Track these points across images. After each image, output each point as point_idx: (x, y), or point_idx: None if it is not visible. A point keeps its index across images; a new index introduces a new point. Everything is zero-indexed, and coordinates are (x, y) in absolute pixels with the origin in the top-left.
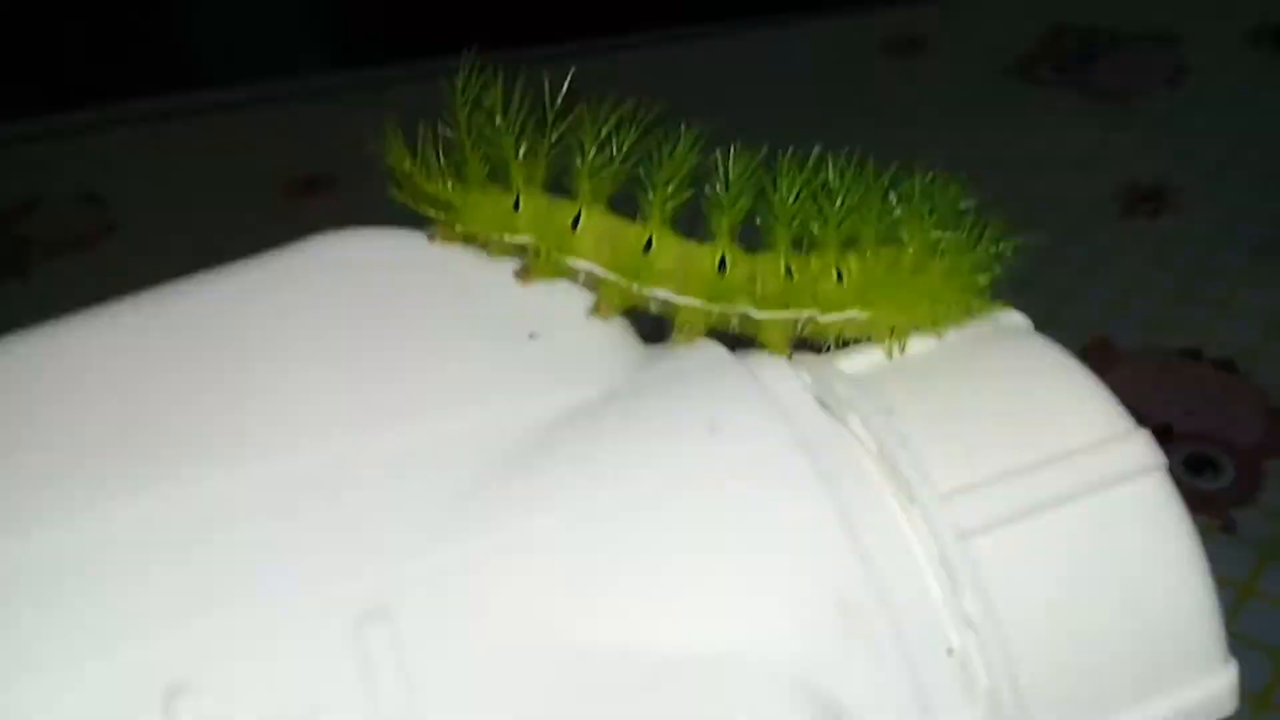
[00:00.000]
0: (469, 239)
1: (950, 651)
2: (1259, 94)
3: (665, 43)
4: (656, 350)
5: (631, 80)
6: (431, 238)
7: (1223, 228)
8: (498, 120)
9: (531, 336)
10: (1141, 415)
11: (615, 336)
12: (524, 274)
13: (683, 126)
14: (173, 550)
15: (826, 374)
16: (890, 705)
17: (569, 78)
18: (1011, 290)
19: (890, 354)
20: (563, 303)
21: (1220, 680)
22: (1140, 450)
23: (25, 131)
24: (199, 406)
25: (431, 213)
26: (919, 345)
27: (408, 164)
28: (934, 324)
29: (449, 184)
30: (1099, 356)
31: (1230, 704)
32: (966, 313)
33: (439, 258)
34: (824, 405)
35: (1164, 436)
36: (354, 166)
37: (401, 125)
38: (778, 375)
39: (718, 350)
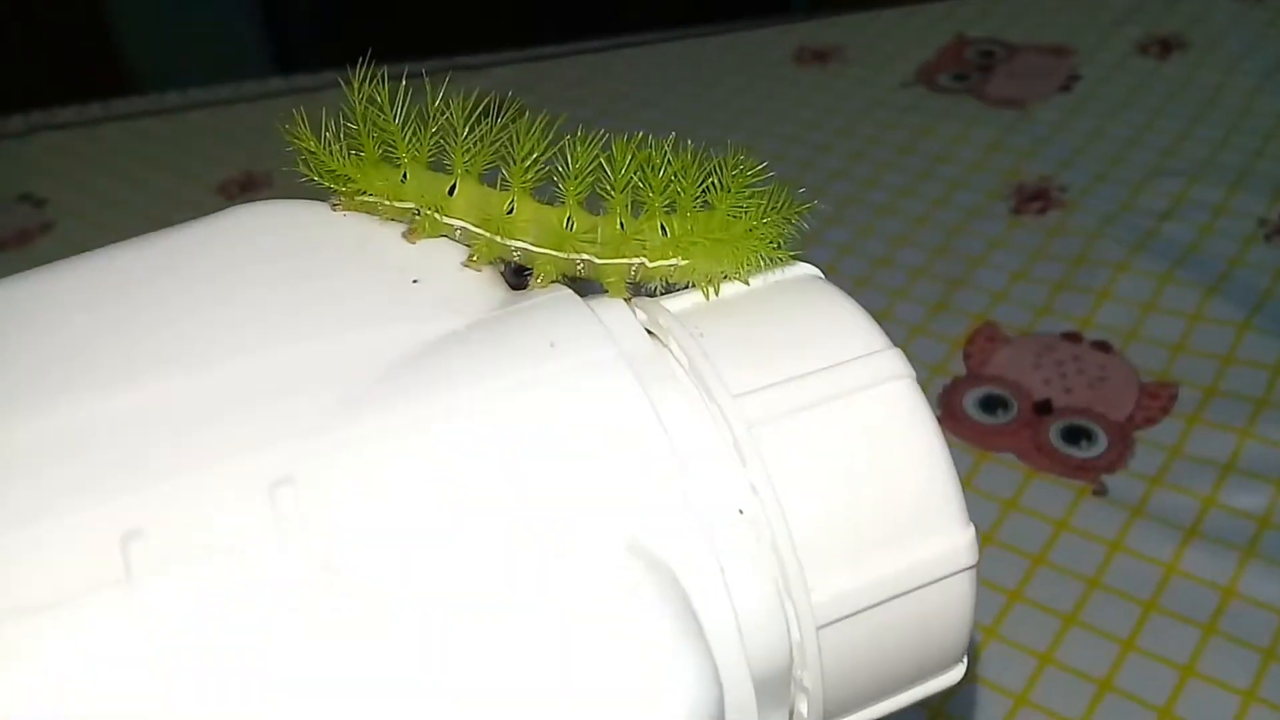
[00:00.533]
0: (364, 207)
1: (741, 511)
2: (1144, 100)
3: (588, 53)
4: (519, 294)
5: (549, 88)
6: (334, 206)
7: (1103, 223)
8: (385, 109)
9: (415, 281)
10: (1024, 391)
11: (484, 281)
12: (409, 233)
13: (540, 115)
14: (124, 436)
15: (654, 309)
16: (687, 547)
17: (447, 79)
18: (905, 278)
19: (706, 295)
20: (441, 256)
21: (958, 538)
22: (892, 363)
23: None
24: (133, 335)
25: (333, 185)
26: (730, 290)
27: (313, 144)
28: (737, 271)
29: (348, 161)
30: (986, 338)
31: (969, 558)
32: (764, 263)
33: (337, 221)
34: (650, 333)
35: (1044, 410)
36: (290, 165)
37: (335, 127)
38: (613, 308)
39: (565, 291)
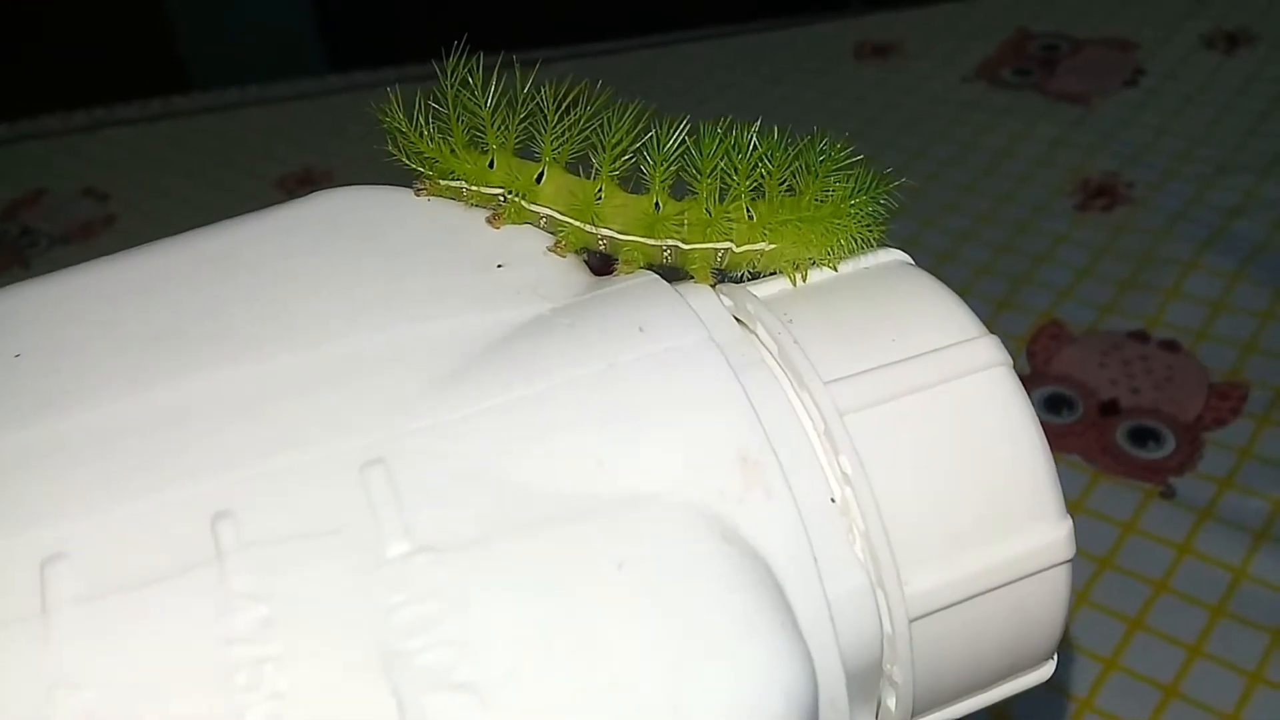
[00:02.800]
0: (448, 192)
1: (833, 500)
2: (1210, 95)
3: (645, 48)
4: (604, 280)
5: (607, 83)
6: (418, 191)
7: (1171, 220)
8: (478, 95)
9: (500, 266)
10: (1090, 391)
11: (568, 267)
12: (494, 219)
13: (627, 104)
14: (213, 417)
15: (741, 296)
16: (781, 536)
17: (535, 69)
18: (969, 275)
19: (794, 281)
20: (525, 242)
21: (1055, 531)
22: (988, 350)
23: (30, 129)
24: (226, 316)
25: (419, 168)
26: (817, 275)
27: (405, 125)
28: (823, 256)
29: (438, 145)
30: (1051, 336)
31: (1066, 551)
32: (852, 248)
33: (423, 206)
34: (737, 319)
35: (1111, 410)
36: (348, 161)
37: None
38: (699, 293)
39: (651, 276)
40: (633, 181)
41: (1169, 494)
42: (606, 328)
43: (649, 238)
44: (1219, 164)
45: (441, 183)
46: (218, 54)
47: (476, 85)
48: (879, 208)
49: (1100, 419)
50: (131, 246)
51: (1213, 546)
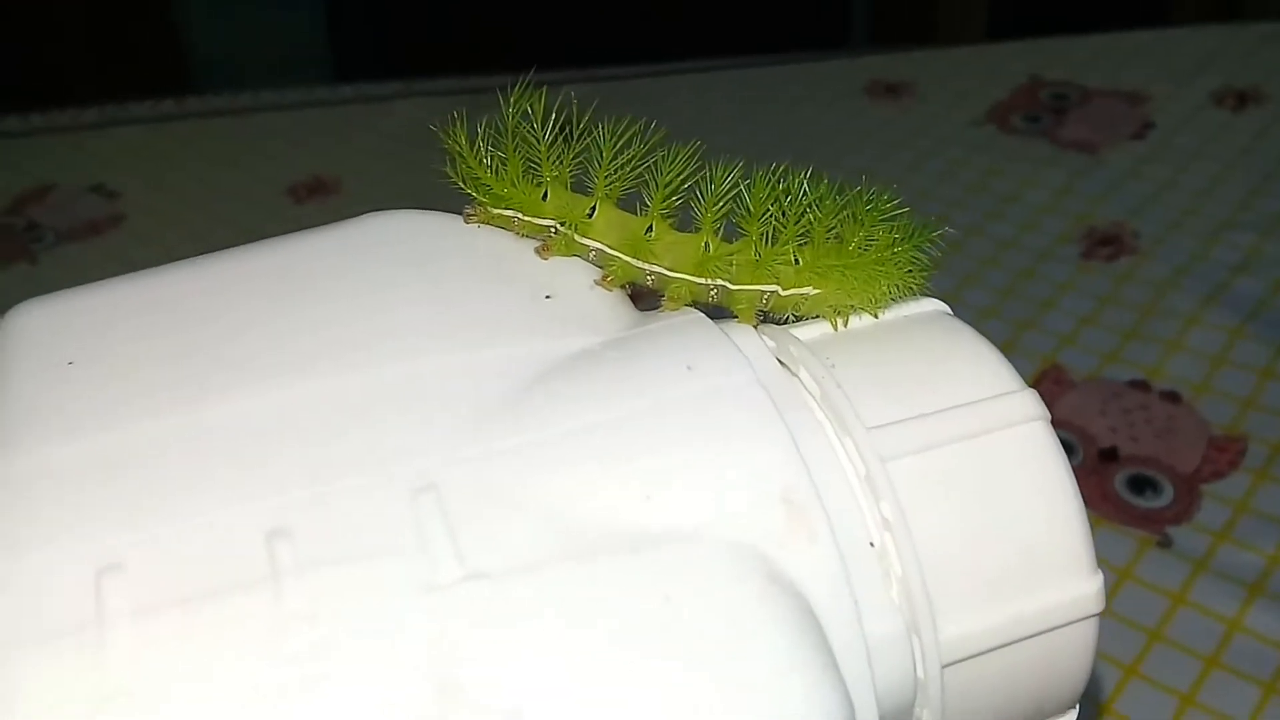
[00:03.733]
0: (498, 221)
1: (871, 545)
2: (1217, 151)
3: (655, 76)
4: (649, 314)
5: (615, 109)
6: (467, 217)
7: (1176, 273)
8: (537, 126)
9: (547, 297)
10: (1090, 437)
11: (615, 302)
12: (544, 250)
13: (681, 144)
14: (268, 436)
15: (783, 338)
16: (823, 579)
17: (571, 99)
18: (973, 318)
19: (835, 326)
20: (573, 274)
21: (1086, 585)
22: (1026, 404)
23: (40, 124)
24: (278, 336)
25: (474, 193)
26: (858, 321)
27: (466, 150)
28: (867, 303)
29: (496, 173)
30: (1052, 382)
31: (1096, 605)
32: (894, 296)
33: (471, 233)
34: (780, 361)
35: (1110, 458)
36: (357, 171)
37: (402, 136)
38: (744, 334)
39: (697, 314)
40: (681, 219)
41: (1166, 543)
42: (655, 364)
43: (697, 276)
44: (1224, 220)
45: (493, 210)
46: (225, 60)
47: (536, 117)
48: (922, 256)
49: (1100, 465)
50: (140, 247)
51: (1208, 598)
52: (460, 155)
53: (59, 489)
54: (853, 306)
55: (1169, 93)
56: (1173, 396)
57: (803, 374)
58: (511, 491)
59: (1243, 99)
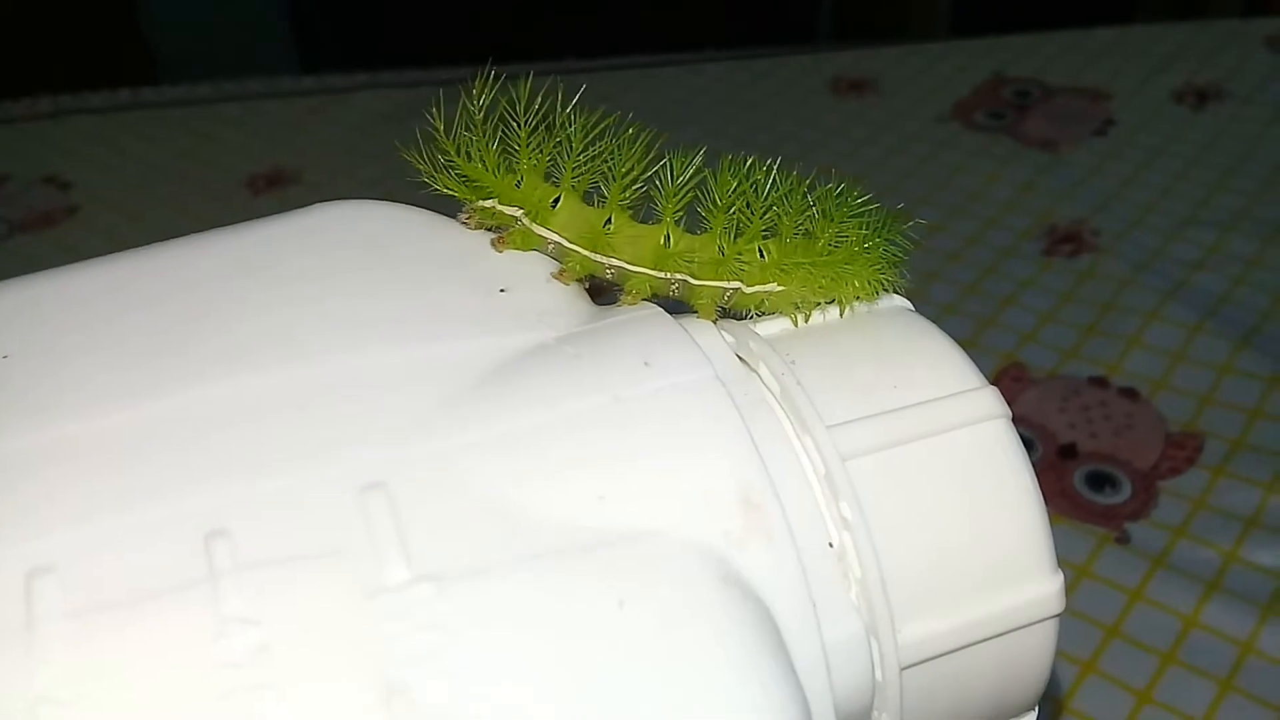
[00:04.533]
0: (486, 215)
1: (830, 545)
2: (1178, 148)
3: (618, 69)
4: (606, 309)
5: (581, 101)
6: (464, 221)
7: (1136, 269)
8: (520, 114)
9: (502, 291)
10: (1049, 434)
11: (571, 296)
12: (499, 242)
13: (638, 133)
14: (209, 430)
15: (743, 334)
16: (781, 580)
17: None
18: (935, 314)
19: (795, 322)
20: (529, 267)
21: (1047, 586)
22: (987, 402)
23: None
24: (224, 327)
25: (448, 187)
26: (818, 317)
27: (446, 142)
28: (834, 299)
29: (477, 162)
30: (1012, 379)
31: (1057, 605)
32: (861, 292)
33: (424, 224)
34: (739, 357)
35: (1069, 454)
36: (317, 163)
37: (364, 128)
38: (703, 329)
39: (655, 309)
40: (644, 211)
41: (1124, 540)
42: (611, 360)
43: (657, 271)
44: (1184, 217)
45: (479, 204)
46: (186, 50)
47: (520, 102)
48: (893, 253)
49: (1058, 462)
50: (95, 238)
51: (1166, 594)
52: (437, 136)
53: None
54: (817, 304)
55: (1131, 90)
56: (1131, 393)
57: (762, 371)
58: (462, 490)
59: (1203, 96)
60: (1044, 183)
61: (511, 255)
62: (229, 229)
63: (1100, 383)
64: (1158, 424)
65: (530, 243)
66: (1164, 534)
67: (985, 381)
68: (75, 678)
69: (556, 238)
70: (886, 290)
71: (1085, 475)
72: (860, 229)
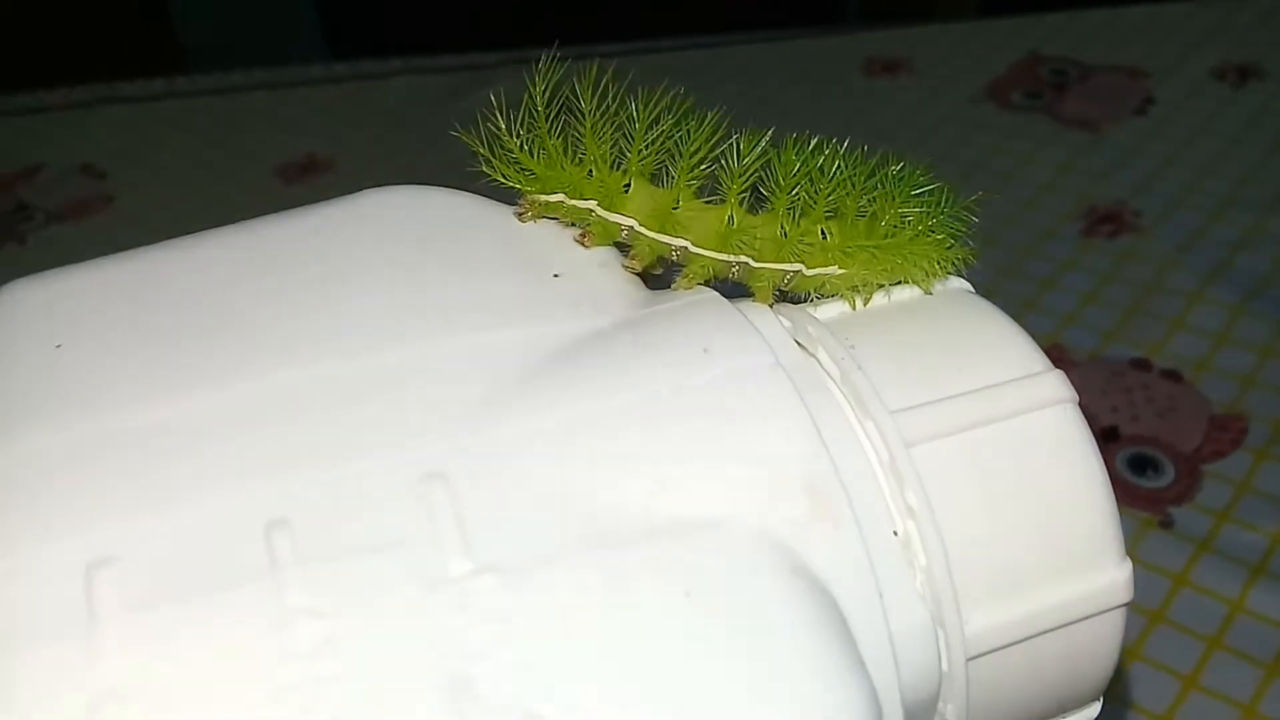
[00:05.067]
0: (549, 210)
1: (895, 533)
2: (1219, 127)
3: (652, 52)
4: (660, 294)
5: (614, 86)
6: (520, 215)
7: (1177, 250)
8: (586, 103)
9: (556, 276)
10: (1090, 416)
11: (626, 280)
12: (584, 238)
13: (707, 114)
14: (264, 423)
15: (801, 318)
16: (847, 569)
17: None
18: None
19: (854, 305)
20: (582, 252)
21: (1116, 574)
22: (1053, 386)
23: (29, 103)
24: (281, 316)
25: (518, 184)
26: (878, 300)
27: (509, 139)
28: (897, 281)
29: (540, 157)
30: (1055, 361)
31: (1126, 594)
32: (927, 275)
33: (473, 209)
34: (798, 343)
35: (1110, 438)
36: (350, 151)
37: (397, 115)
38: (761, 314)
39: (711, 293)
40: (708, 190)
41: (1168, 524)
42: (670, 347)
43: (721, 251)
44: (1225, 197)
45: (541, 199)
46: (217, 39)
47: (585, 92)
48: (957, 233)
49: (1101, 445)
50: (129, 227)
51: (1210, 579)
52: (499, 139)
53: (46, 479)
54: (879, 286)
55: (1169, 68)
56: (1174, 375)
57: (821, 355)
58: (522, 480)
59: (1243, 74)
60: (1083, 163)
61: (562, 239)
62: (274, 217)
63: (1142, 365)
64: (1201, 406)
65: (609, 232)
66: (1208, 518)
67: (1050, 365)
68: (136, 671)
69: (631, 223)
70: (952, 271)
71: (1128, 458)
72: (923, 209)
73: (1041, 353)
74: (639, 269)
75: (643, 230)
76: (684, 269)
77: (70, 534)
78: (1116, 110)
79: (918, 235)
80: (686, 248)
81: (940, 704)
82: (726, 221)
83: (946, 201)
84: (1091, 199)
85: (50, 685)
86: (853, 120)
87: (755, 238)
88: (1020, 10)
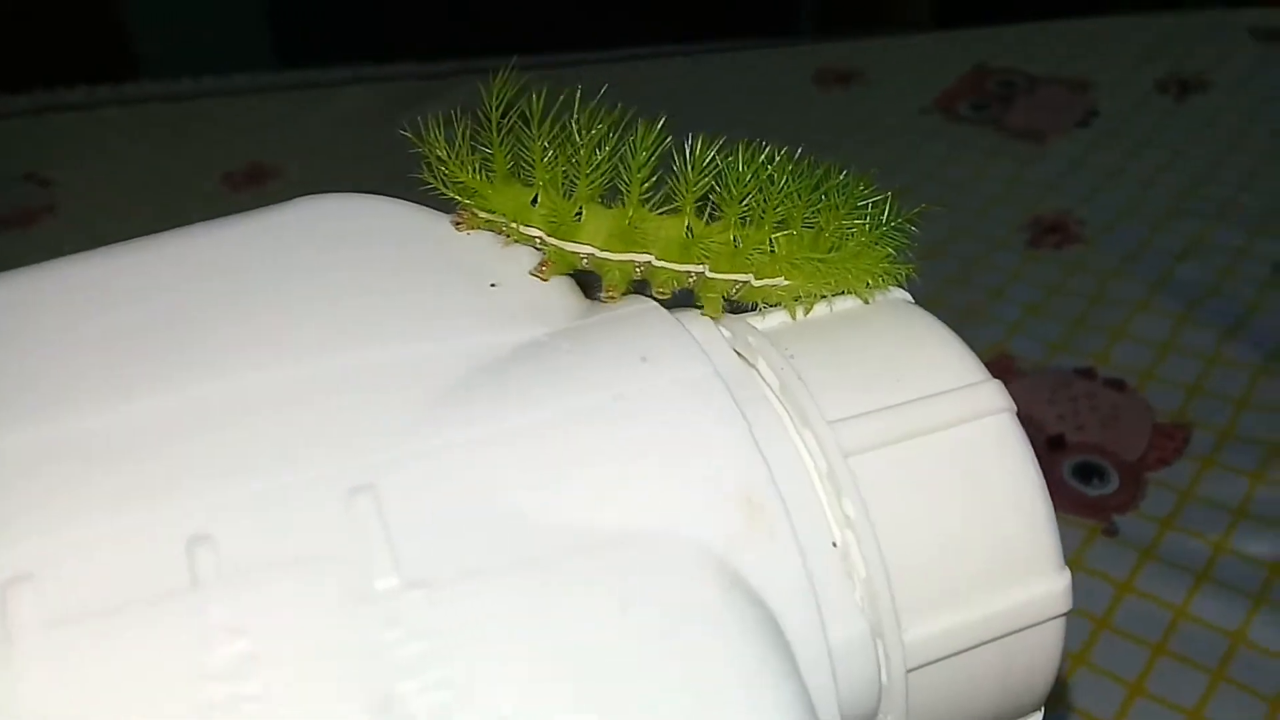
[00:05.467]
0: (489, 227)
1: (834, 544)
2: (1162, 139)
3: (601, 63)
4: (597, 304)
5: (580, 93)
6: (456, 225)
7: (1122, 260)
8: (533, 126)
9: (493, 285)
10: (1037, 425)
11: (564, 289)
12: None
13: (649, 122)
14: (190, 432)
15: (741, 328)
16: (785, 581)
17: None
18: (922, 306)
19: (795, 315)
20: (519, 260)
21: (1055, 583)
22: (991, 396)
23: None
24: (209, 325)
25: (458, 196)
26: (818, 311)
27: (445, 153)
28: (840, 293)
29: (480, 177)
30: (999, 370)
31: (1065, 603)
32: (880, 282)
33: (410, 217)
34: (738, 352)
35: (1056, 446)
36: (298, 159)
37: (345, 123)
38: (700, 324)
39: (651, 303)
40: (659, 201)
41: (1112, 532)
42: (608, 356)
43: (682, 262)
44: (1169, 207)
45: (481, 215)
46: (165, 45)
47: (534, 113)
48: (900, 245)
49: (1046, 453)
50: (74, 235)
51: (1154, 586)
52: (441, 160)
53: None
54: (821, 297)
55: (1114, 80)
56: (1119, 384)
57: (761, 366)
58: (454, 492)
59: (1185, 87)
60: (1029, 174)
61: (499, 248)
62: (210, 224)
63: (1088, 374)
64: (1145, 415)
65: (567, 261)
66: (1152, 525)
67: (988, 375)
68: (55, 691)
69: (590, 250)
70: (895, 283)
71: (1074, 467)
72: (866, 221)
73: (980, 363)
74: (617, 297)
75: (606, 255)
76: (653, 282)
77: None
78: (1061, 122)
79: (861, 248)
80: (650, 262)
81: (880, 716)
82: (685, 231)
83: (890, 212)
84: (1037, 210)
85: None
86: (802, 131)
87: (712, 246)
88: (971, 22)
